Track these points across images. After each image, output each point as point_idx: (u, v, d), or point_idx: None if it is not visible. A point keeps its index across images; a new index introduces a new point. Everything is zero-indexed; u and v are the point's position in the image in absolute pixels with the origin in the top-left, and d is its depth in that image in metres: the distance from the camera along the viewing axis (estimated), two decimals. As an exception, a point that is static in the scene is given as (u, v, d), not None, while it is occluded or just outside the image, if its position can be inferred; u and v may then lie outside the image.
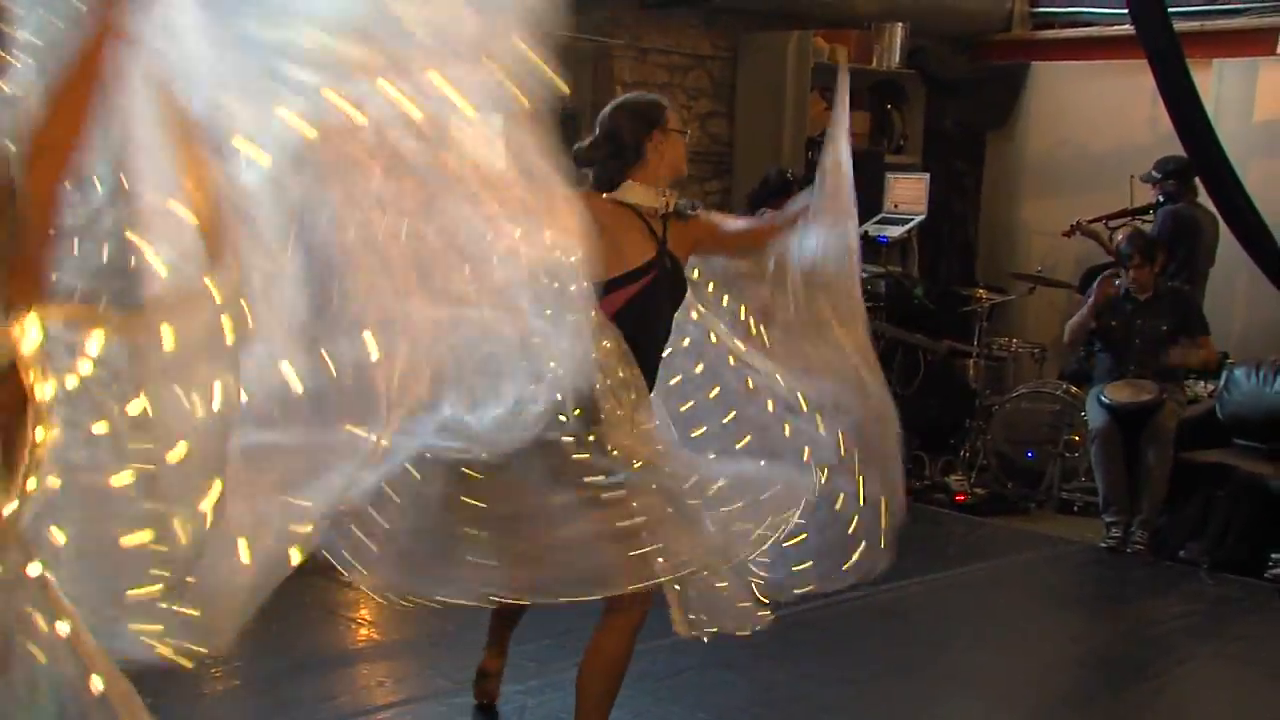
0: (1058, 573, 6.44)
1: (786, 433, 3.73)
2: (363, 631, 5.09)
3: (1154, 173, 7.52)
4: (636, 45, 8.87)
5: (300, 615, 4.90)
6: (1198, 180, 7.17)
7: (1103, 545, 6.45)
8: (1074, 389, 7.32)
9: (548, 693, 4.35)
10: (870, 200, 8.77)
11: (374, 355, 2.12)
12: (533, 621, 4.48)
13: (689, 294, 3.80)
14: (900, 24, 9.25)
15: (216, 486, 1.82)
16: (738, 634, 3.59)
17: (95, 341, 1.73)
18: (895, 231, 8.60)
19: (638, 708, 4.30)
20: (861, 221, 8.73)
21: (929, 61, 9.53)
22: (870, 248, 8.60)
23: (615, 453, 3.32)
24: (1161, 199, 7.55)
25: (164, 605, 1.87)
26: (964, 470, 7.48)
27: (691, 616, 3.53)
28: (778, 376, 3.77)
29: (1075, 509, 7.22)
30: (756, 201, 8.03)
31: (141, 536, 1.80)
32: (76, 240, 1.78)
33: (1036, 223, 9.37)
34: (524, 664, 4.52)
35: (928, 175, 8.78)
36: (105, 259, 1.80)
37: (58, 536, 1.76)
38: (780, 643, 5.00)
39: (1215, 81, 8.19)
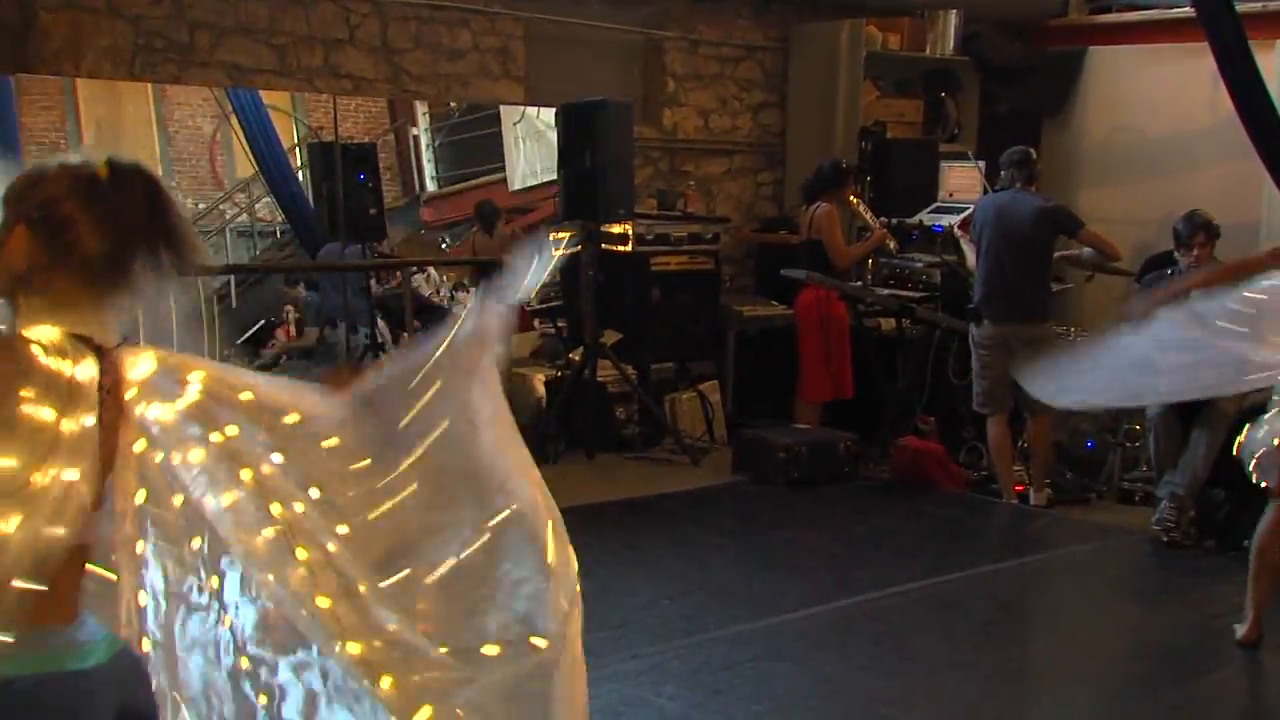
0: (1118, 563, 6.36)
1: None
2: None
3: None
4: (688, 37, 8.86)
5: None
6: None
7: (1163, 540, 6.34)
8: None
9: (604, 684, 4.35)
10: (925, 189, 8.71)
11: None
12: (587, 614, 4.48)
13: None
14: (954, 10, 9.16)
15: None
16: None
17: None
18: (950, 220, 8.52)
19: (695, 699, 4.31)
20: (916, 210, 8.72)
21: (983, 48, 9.44)
22: (925, 236, 8.54)
23: None
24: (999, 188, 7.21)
25: None
26: (1022, 460, 7.41)
27: None
28: None
29: (1136, 499, 7.12)
30: (810, 192, 7.98)
31: None
32: None
33: (1094, 209, 9.21)
34: (580, 656, 4.53)
35: (983, 163, 8.69)
36: None
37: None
38: (837, 634, 5.00)
39: (1278, 62, 8.04)
